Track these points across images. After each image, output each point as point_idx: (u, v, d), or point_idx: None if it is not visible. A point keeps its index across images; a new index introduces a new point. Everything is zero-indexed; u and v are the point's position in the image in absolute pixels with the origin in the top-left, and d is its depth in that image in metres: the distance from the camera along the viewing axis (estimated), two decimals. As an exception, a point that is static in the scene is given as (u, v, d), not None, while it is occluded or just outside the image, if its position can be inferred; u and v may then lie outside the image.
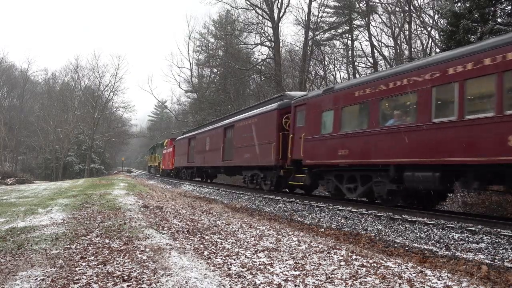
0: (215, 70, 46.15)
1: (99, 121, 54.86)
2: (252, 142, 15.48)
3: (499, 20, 12.56)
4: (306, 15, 31.56)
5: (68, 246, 5.40)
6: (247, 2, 33.40)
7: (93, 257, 4.76)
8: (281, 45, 33.34)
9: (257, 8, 33.51)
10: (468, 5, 12.72)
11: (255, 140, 15.30)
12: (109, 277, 3.94)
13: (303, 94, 13.91)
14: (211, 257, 4.89)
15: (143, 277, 3.91)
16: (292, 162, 12.88)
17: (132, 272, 4.10)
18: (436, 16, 21.39)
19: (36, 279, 3.98)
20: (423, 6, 23.78)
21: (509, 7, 12.41)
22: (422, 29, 24.36)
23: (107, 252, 5.01)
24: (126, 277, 3.92)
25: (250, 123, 16.12)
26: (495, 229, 6.62)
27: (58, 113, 56.47)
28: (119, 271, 4.15)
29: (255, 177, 16.29)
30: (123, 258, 4.69)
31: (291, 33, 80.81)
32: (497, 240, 6.25)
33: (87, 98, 55.85)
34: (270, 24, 33.22)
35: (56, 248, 5.27)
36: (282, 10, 32.13)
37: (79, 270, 4.23)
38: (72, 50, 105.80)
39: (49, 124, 54.06)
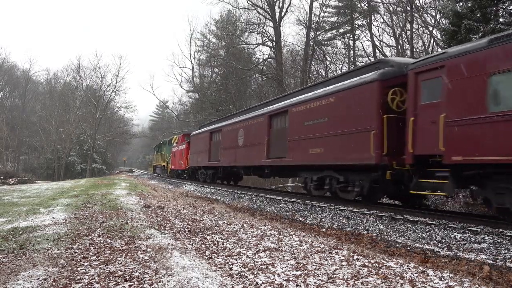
0: (216, 70, 46.17)
1: (101, 121, 54.93)
2: (326, 131, 11.28)
3: (501, 19, 12.51)
4: (308, 15, 31.57)
5: (70, 246, 5.41)
6: (249, 2, 33.40)
7: (95, 257, 4.76)
8: (282, 45, 33.35)
9: (258, 8, 33.52)
10: (470, 4, 12.68)
11: (332, 129, 11.06)
12: (110, 277, 3.94)
13: (423, 57, 9.40)
14: (213, 257, 4.89)
15: (145, 277, 3.92)
16: (414, 159, 8.61)
17: (133, 272, 4.10)
18: (438, 16, 21.37)
19: (38, 278, 3.99)
20: (425, 6, 23.76)
21: (512, 7, 12.37)
22: (424, 28, 24.32)
23: (109, 252, 5.01)
24: (127, 277, 3.92)
25: (321, 105, 11.65)
26: (497, 229, 6.61)
27: (60, 113, 56.55)
28: (121, 271, 4.15)
29: (327, 181, 11.81)
30: (124, 258, 4.69)
31: (292, 33, 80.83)
32: (499, 240, 6.24)
33: (88, 98, 55.92)
34: (271, 24, 33.24)
35: (58, 248, 5.28)
36: (284, 10, 32.14)
37: (81, 270, 4.24)
38: (74, 50, 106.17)
39: (51, 124, 54.14)
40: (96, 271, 4.17)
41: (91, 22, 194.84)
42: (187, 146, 27.17)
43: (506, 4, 12.65)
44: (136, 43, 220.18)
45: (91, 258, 4.74)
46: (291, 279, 4.02)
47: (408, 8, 22.82)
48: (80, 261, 4.61)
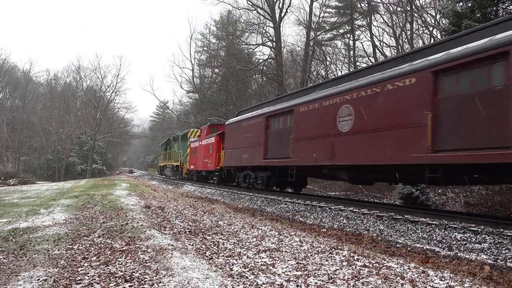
0: (216, 70, 46.21)
1: (101, 121, 55.01)
2: None
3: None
4: (308, 15, 31.65)
5: (70, 246, 5.41)
6: (249, 2, 33.48)
7: (95, 258, 4.76)
8: (282, 45, 33.40)
9: (258, 9, 33.58)
10: (470, 4, 12.68)
11: None
12: (111, 278, 3.94)
13: None
14: (213, 257, 4.89)
15: (145, 278, 3.92)
16: None
17: (134, 272, 4.10)
18: (438, 16, 21.38)
19: (39, 279, 3.99)
20: (425, 6, 23.77)
21: (512, 7, 12.37)
22: (424, 29, 24.33)
23: (109, 252, 5.01)
24: (128, 278, 3.92)
25: None
26: (497, 229, 6.60)
27: (60, 114, 56.59)
28: (121, 271, 4.15)
29: None
30: (125, 258, 4.69)
31: (292, 33, 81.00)
32: (499, 240, 6.23)
33: (89, 98, 55.99)
34: (271, 25, 33.29)
35: (58, 249, 5.28)
36: (284, 10, 32.21)
37: (81, 270, 4.24)
38: (74, 50, 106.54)
39: (51, 125, 54.19)
40: (97, 271, 4.17)
41: (91, 23, 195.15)
42: (217, 139, 20.87)
43: (506, 4, 12.65)
44: (136, 43, 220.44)
45: (92, 258, 4.73)
46: (291, 279, 4.02)
47: (408, 8, 22.83)
48: (81, 261, 4.61)
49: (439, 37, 20.22)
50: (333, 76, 26.60)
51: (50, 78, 67.10)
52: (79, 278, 3.97)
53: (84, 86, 59.56)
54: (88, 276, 4.01)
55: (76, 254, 4.96)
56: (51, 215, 8.70)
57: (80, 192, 14.93)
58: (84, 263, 4.54)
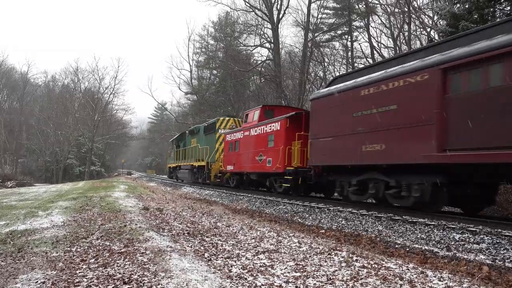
0: (214, 72, 46.26)
1: (99, 123, 54.95)
2: None
3: (498, 20, 12.55)
4: (306, 17, 31.73)
5: (68, 248, 5.40)
6: (247, 3, 33.54)
7: (93, 260, 4.75)
8: (280, 46, 33.46)
9: (256, 10, 33.64)
10: (467, 6, 12.74)
11: None
12: (109, 280, 3.93)
13: None
14: (212, 259, 4.89)
15: (144, 280, 3.91)
16: None
17: (132, 274, 4.09)
18: (436, 17, 21.38)
19: (37, 282, 3.97)
20: (423, 7, 23.80)
21: (508, 8, 12.42)
22: (422, 30, 24.36)
23: (108, 254, 5.00)
24: (126, 280, 3.91)
25: None
26: (496, 230, 6.62)
27: (58, 116, 56.52)
28: (120, 273, 4.14)
29: None
30: (123, 260, 4.68)
31: (290, 35, 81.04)
32: (498, 241, 6.24)
33: (87, 100, 55.97)
34: (269, 26, 33.33)
35: (56, 251, 5.26)
36: (282, 12, 32.26)
37: (79, 272, 4.23)
38: (72, 52, 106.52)
39: (49, 127, 54.12)
40: (95, 274, 4.16)
41: (89, 25, 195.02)
42: (285, 125, 13.93)
43: (503, 5, 12.70)
44: (134, 45, 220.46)
45: (90, 261, 4.72)
46: (290, 280, 4.02)
47: (406, 10, 22.88)
48: (79, 264, 4.60)
49: (436, 38, 20.29)
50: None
51: (48, 80, 67.13)
52: (77, 280, 3.95)
53: (82, 88, 59.66)
54: (86, 279, 4.00)
55: (75, 257, 4.94)
56: (49, 217, 8.67)
57: (78, 194, 14.89)
58: (83, 265, 4.53)
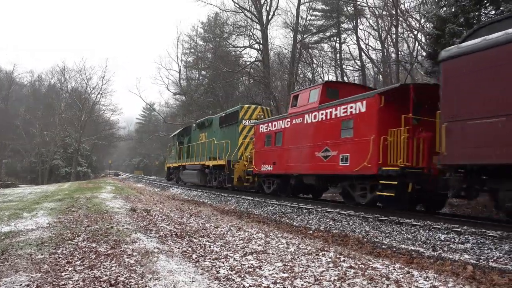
0: (203, 72, 46.13)
1: (86, 123, 54.28)
2: None
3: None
4: (295, 18, 31.84)
5: (53, 250, 5.32)
6: (236, 5, 33.51)
7: (79, 262, 4.70)
8: (269, 47, 33.52)
9: (245, 11, 33.64)
10: (453, 9, 12.92)
11: None
12: (95, 282, 3.89)
13: None
14: (200, 260, 4.87)
15: (131, 281, 3.88)
16: None
17: (119, 276, 4.06)
18: (423, 20, 21.67)
19: (21, 284, 3.91)
20: (410, 10, 24.08)
21: (493, 12, 12.63)
22: (409, 32, 24.65)
23: (94, 256, 4.95)
24: (113, 282, 3.87)
25: None
26: (480, 230, 6.73)
27: (44, 116, 55.71)
28: (106, 275, 4.10)
29: None
30: (110, 262, 4.64)
31: (279, 36, 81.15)
32: (482, 241, 6.35)
33: (74, 100, 55.27)
34: (258, 27, 33.37)
35: (41, 253, 5.19)
36: (271, 13, 32.31)
37: (65, 275, 4.17)
38: (59, 52, 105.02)
39: (34, 127, 53.28)
40: (81, 276, 4.11)
41: (77, 25, 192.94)
42: (377, 104, 9.62)
43: (488, 9, 12.92)
44: (122, 45, 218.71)
45: (76, 263, 4.67)
46: (278, 281, 4.02)
47: (393, 12, 23.14)
48: (64, 266, 4.54)
49: (423, 40, 20.55)
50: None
51: (34, 80, 66.21)
52: (62, 283, 3.90)
53: (69, 87, 58.89)
54: (72, 281, 3.95)
55: (60, 259, 4.88)
56: (34, 218, 8.54)
57: (64, 195, 14.70)
58: (68, 267, 4.47)
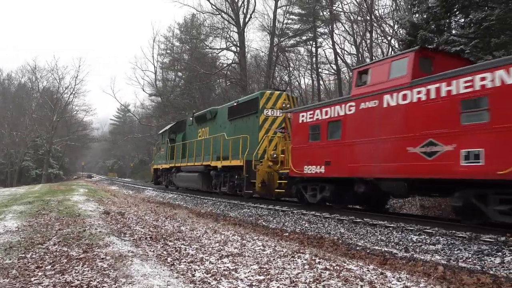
0: (180, 74, 45.77)
1: (58, 124, 52.88)
2: None
3: (453, 31, 13.22)
4: (272, 22, 32.08)
5: (23, 255, 5.15)
6: (213, 6, 33.44)
7: (50, 266, 4.56)
8: (246, 50, 33.60)
9: (222, 13, 33.64)
10: (425, 16, 13.30)
11: None
12: (67, 287, 3.79)
13: None
14: (175, 263, 4.81)
15: (104, 286, 3.79)
16: None
17: (91, 281, 3.96)
18: (396, 26, 22.21)
19: (-13, 291, 3.77)
20: (384, 16, 24.67)
21: (463, 20, 13.08)
22: (383, 38, 25.22)
23: (65, 260, 4.82)
24: (85, 286, 3.78)
25: None
26: (450, 231, 6.93)
27: (13, 116, 53.91)
28: (78, 280, 4.00)
29: None
30: (82, 266, 4.53)
31: (256, 39, 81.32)
32: (452, 242, 6.53)
33: (45, 100, 53.77)
34: (235, 29, 33.40)
35: (9, 258, 5.01)
36: (248, 16, 32.44)
37: (34, 280, 4.04)
38: (30, 52, 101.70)
39: (3, 127, 51.49)
40: (51, 281, 3.99)
41: (49, 23, 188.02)
42: None
43: (458, 17, 13.37)
44: (97, 44, 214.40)
45: (46, 267, 4.53)
46: (254, 284, 4.02)
47: (368, 18, 23.62)
48: (34, 271, 4.40)
49: (396, 46, 21.05)
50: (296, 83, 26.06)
51: (3, 79, 63.86)
52: (32, 288, 3.78)
53: (40, 87, 57.15)
54: (42, 286, 3.84)
55: (29, 263, 4.73)
56: (2, 222, 8.24)
57: (35, 198, 14.24)
58: (38, 272, 4.34)
